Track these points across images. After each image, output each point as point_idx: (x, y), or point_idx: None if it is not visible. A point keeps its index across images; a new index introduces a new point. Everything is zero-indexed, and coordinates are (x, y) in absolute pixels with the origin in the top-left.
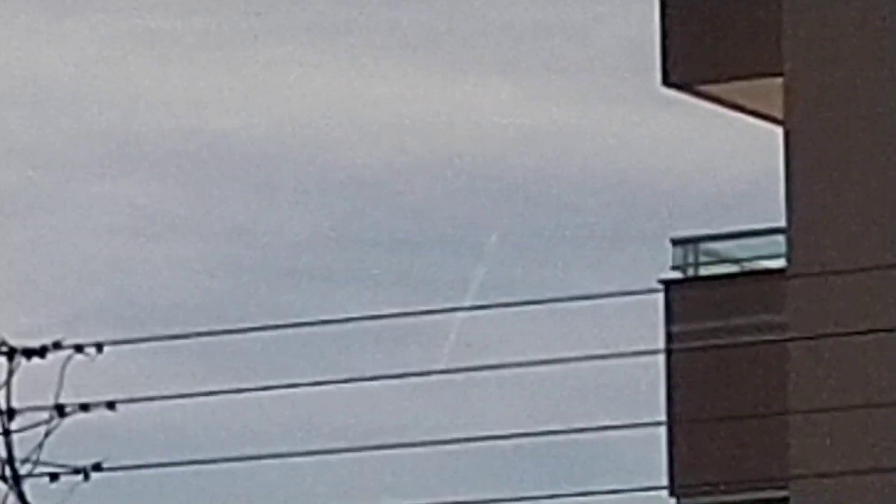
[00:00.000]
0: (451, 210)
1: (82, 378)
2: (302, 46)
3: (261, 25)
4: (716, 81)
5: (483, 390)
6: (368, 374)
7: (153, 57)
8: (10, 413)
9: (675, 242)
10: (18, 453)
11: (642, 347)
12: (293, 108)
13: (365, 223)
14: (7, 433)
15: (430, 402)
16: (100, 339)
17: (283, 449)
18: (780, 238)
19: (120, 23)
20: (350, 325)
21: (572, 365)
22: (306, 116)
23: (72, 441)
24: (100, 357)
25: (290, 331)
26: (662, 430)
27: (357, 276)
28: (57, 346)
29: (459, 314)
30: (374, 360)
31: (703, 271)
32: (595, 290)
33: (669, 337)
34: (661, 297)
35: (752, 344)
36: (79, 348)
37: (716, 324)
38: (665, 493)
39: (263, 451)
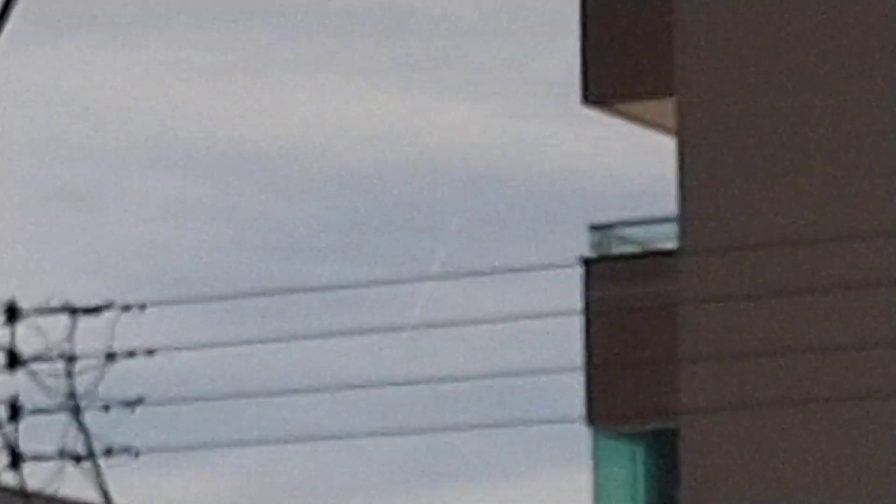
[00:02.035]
0: (421, 201)
1: (128, 332)
2: (305, 72)
3: (273, 56)
4: (624, 101)
5: (446, 344)
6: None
7: (191, 81)
8: (72, 359)
9: (593, 228)
10: (79, 390)
11: (567, 309)
12: (301, 121)
13: (355, 211)
14: (70, 375)
15: (404, 353)
16: (143, 301)
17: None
18: (674, 225)
19: (166, 55)
20: (341, 292)
21: (515, 323)
22: (311, 127)
23: (120, 382)
24: (143, 316)
25: (294, 296)
26: (581, 374)
27: (350, 252)
28: (108, 306)
29: (427, 283)
30: (361, 318)
31: (614, 251)
32: (532, 264)
33: (588, 301)
34: (581, 270)
35: (652, 308)
36: (126, 308)
37: (623, 291)
38: (583, 423)
39: (267, 388)
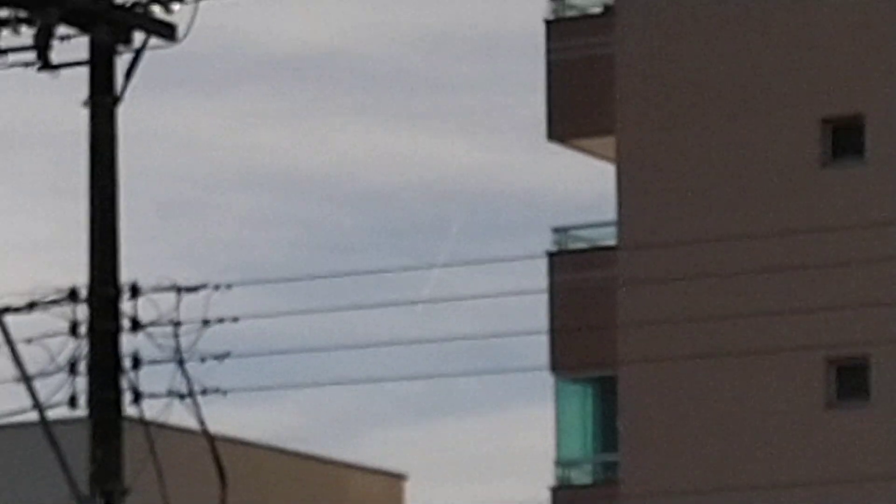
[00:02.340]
0: (429, 211)
1: (219, 305)
2: (348, 117)
3: (324, 105)
4: (577, 137)
5: (450, 314)
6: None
7: (265, 122)
8: (177, 324)
9: (555, 230)
10: (183, 347)
11: (538, 288)
12: (342, 153)
13: (383, 217)
14: (177, 336)
15: (417, 323)
16: (229, 282)
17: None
18: (613, 228)
19: (247, 103)
20: (372, 277)
21: (500, 299)
22: (349, 157)
23: (213, 341)
24: (228, 293)
25: (338, 279)
26: (545, 338)
27: (379, 248)
28: (204, 286)
29: (435, 271)
30: (387, 295)
31: (571, 246)
32: (511, 256)
33: (552, 283)
34: (546, 260)
35: (598, 288)
36: (217, 287)
37: (577, 276)
38: (548, 371)
39: (323, 346)
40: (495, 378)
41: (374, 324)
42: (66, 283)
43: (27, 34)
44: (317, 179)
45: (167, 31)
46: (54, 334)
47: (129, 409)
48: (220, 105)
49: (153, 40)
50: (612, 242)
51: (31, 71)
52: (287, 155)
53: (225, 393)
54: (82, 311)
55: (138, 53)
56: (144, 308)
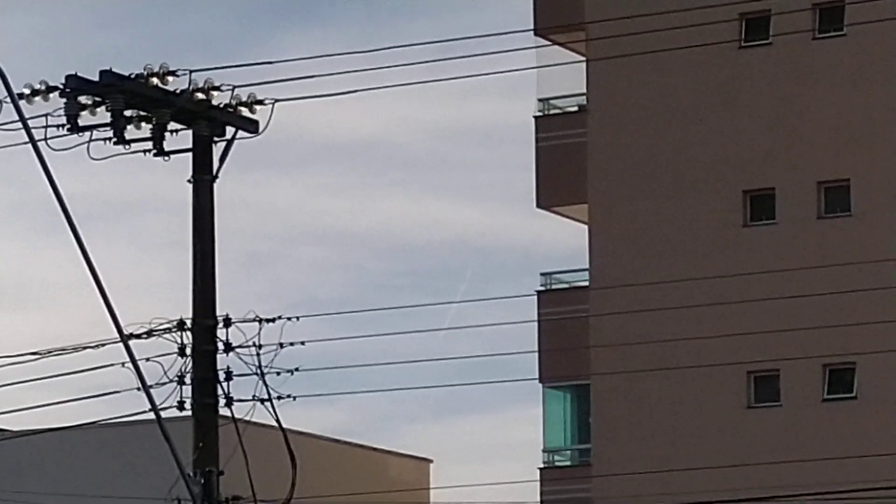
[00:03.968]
0: (447, 262)
1: (290, 332)
2: (380, 189)
3: (367, 182)
4: (559, 204)
5: (465, 338)
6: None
7: (322, 194)
8: (259, 346)
9: (542, 274)
10: (263, 363)
11: (530, 318)
12: (378, 216)
13: (407, 266)
14: (259, 355)
15: (439, 346)
16: (297, 314)
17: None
18: (586, 273)
19: (308, 180)
20: (405, 310)
21: (501, 326)
22: (387, 221)
23: (286, 358)
24: (298, 323)
25: (381, 312)
26: (535, 356)
27: (410, 288)
28: (279, 317)
29: (453, 306)
30: (415, 324)
31: (554, 286)
32: (510, 294)
33: (539, 314)
34: (535, 297)
35: (574, 317)
36: (288, 318)
37: (560, 309)
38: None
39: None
40: (497, 386)
41: (407, 346)
42: (176, 315)
43: (146, 128)
44: (364, 236)
45: (252, 126)
46: (167, 354)
47: (223, 411)
48: (293, 181)
49: (241, 132)
50: (585, 283)
51: (150, 156)
52: (342, 218)
53: (294, 398)
54: (188, 337)
55: (230, 143)
56: (235, 335)
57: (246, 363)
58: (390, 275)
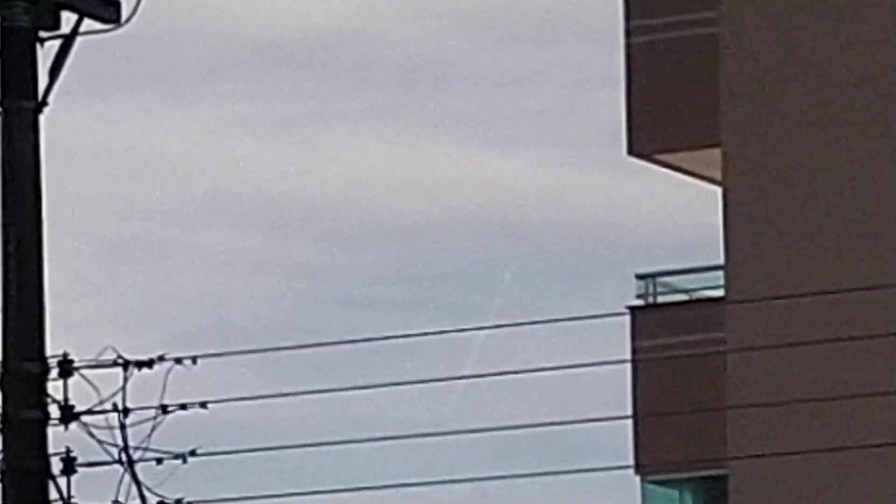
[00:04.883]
0: (475, 252)
1: (182, 384)
2: (358, 126)
3: (327, 111)
4: (668, 151)
5: (497, 392)
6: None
7: (245, 135)
8: (125, 411)
9: (639, 277)
10: (132, 443)
11: (615, 359)
12: (352, 174)
13: (406, 262)
14: (123, 427)
15: (456, 402)
16: (195, 353)
17: (340, 438)
18: (720, 273)
19: (219, 110)
20: (395, 342)
21: (563, 372)
22: (362, 180)
23: (173, 434)
24: (195, 368)
25: (345, 346)
26: (629, 423)
27: (400, 303)
28: (161, 358)
29: (481, 333)
30: (415, 368)
31: (661, 299)
32: (579, 314)
33: (634, 350)
34: (628, 319)
35: (699, 355)
36: (178, 360)
37: (670, 340)
38: (632, 471)
39: (321, 440)
40: (562, 480)
41: (401, 407)
42: None
43: None
44: (319, 210)
45: (109, 12)
46: None
47: None
48: (185, 111)
49: (89, 23)
50: (718, 293)
51: None
52: (277, 178)
53: None
54: None
55: (68, 41)
56: (79, 390)
57: (100, 442)
58: (366, 279)
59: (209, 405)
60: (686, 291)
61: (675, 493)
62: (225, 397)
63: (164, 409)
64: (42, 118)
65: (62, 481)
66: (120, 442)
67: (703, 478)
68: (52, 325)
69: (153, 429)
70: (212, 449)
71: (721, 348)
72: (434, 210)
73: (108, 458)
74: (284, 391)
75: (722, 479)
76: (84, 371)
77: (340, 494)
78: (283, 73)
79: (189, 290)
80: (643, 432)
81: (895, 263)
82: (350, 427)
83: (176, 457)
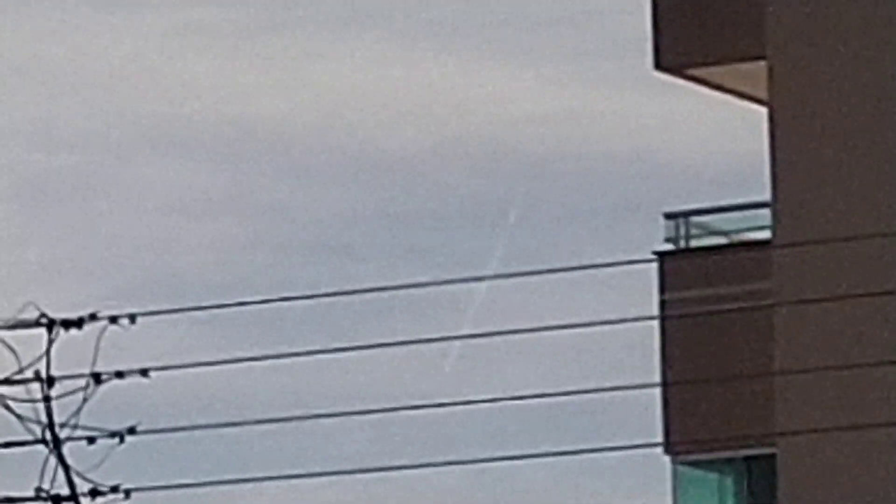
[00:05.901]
0: (473, 188)
1: (119, 348)
2: (333, 36)
3: (294, 17)
4: (703, 65)
5: (499, 356)
6: (395, 341)
7: (195, 48)
8: (50, 381)
9: (668, 216)
10: (58, 418)
11: (639, 314)
12: (325, 95)
13: (391, 201)
14: (47, 399)
15: (450, 368)
16: (134, 311)
17: (310, 412)
18: (766, 211)
19: (163, 17)
20: (377, 295)
21: (577, 331)
22: (337, 102)
23: (108, 407)
24: (134, 328)
25: (318, 300)
26: (657, 391)
27: (383, 250)
28: (93, 317)
29: (481, 284)
30: (400, 329)
31: (694, 243)
32: (596, 261)
33: (663, 304)
34: (655, 267)
35: (740, 310)
36: (113, 319)
37: (706, 292)
38: (660, 450)
39: (288, 414)
40: (568, 464)
41: (383, 374)
42: None
43: None
44: (286, 140)
45: None
46: None
47: None
48: (125, 20)
49: None
50: (763, 235)
51: None
52: (236, 99)
53: (127, 493)
54: None
55: None
56: None
57: (20, 417)
58: (342, 221)
59: (151, 373)
60: (725, 233)
61: (712, 477)
62: (170, 364)
63: (96, 378)
64: None
65: None
66: (44, 418)
67: (745, 458)
68: None
69: (84, 401)
70: (154, 426)
71: (767, 301)
72: (423, 138)
73: (29, 437)
74: (241, 356)
75: (769, 458)
76: (0, 332)
77: (309, 480)
78: None
79: (128, 236)
80: (674, 404)
81: None
82: (323, 398)
83: (111, 435)
